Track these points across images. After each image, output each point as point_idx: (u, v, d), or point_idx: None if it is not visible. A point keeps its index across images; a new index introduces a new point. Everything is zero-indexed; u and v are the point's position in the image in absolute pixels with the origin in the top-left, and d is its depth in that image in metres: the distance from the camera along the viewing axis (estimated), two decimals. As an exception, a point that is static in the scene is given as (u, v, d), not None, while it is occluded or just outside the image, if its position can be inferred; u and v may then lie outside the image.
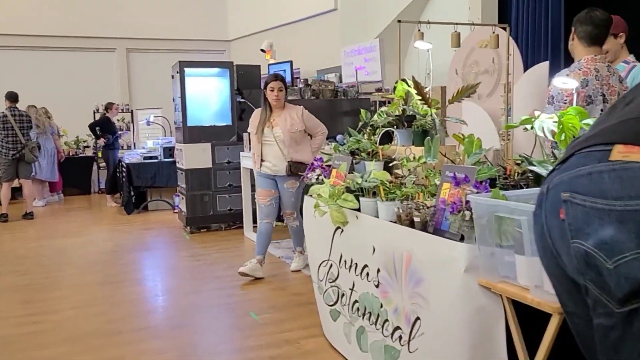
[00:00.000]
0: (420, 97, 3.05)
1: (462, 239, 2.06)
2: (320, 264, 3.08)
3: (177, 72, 6.19)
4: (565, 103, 2.87)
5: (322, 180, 3.11)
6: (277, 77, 4.49)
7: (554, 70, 5.23)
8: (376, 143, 3.17)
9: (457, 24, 3.97)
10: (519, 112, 4.12)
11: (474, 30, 6.28)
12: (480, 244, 1.88)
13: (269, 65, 9.64)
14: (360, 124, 3.34)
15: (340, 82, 8.38)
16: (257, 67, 7.07)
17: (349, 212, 2.71)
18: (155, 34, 11.44)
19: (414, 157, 2.88)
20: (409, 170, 2.78)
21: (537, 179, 2.20)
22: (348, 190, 2.76)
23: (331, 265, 2.96)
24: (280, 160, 4.42)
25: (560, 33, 6.41)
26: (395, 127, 3.18)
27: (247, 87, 6.63)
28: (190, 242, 6.04)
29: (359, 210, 2.67)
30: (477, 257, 1.91)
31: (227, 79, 6.39)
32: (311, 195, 3.05)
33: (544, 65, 5.17)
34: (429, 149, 2.78)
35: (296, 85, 7.87)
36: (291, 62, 9.37)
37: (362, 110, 3.35)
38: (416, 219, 2.25)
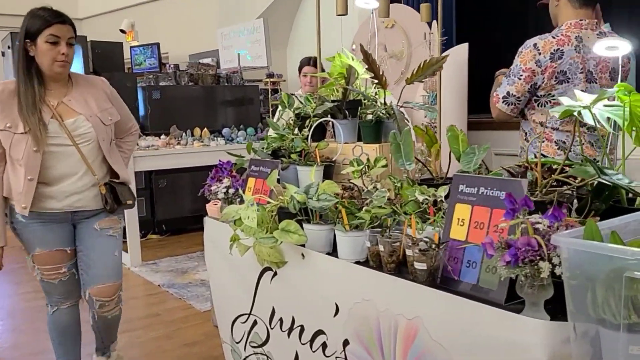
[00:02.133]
0: (372, 75, 2.18)
1: (507, 300, 1.23)
2: (236, 319, 2.10)
3: (9, 47, 4.73)
4: (520, 79, 2.19)
5: (239, 195, 2.13)
6: (61, 17, 2.11)
7: (473, 51, 4.70)
8: (307, 140, 2.26)
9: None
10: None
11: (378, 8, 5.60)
12: (576, 319, 1.06)
13: (131, 47, 8.26)
14: (280, 113, 2.40)
15: (219, 67, 7.31)
16: (119, 45, 5.78)
17: (287, 248, 1.77)
18: (-18, 7, 9.38)
19: (369, 160, 2.01)
20: (371, 180, 1.90)
21: (598, 194, 1.43)
22: (282, 212, 1.82)
23: (255, 323, 2.00)
24: (84, 182, 2.24)
25: (452, 15, 5.94)
26: (331, 116, 2.29)
27: (107, 69, 5.33)
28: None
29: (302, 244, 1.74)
30: (567, 343, 1.08)
31: (80, 58, 5.06)
32: (220, 220, 2.06)
33: (463, 47, 4.61)
34: (397, 148, 1.92)
35: (167, 70, 6.67)
36: (158, 44, 8.09)
37: (283, 93, 2.40)
38: (419, 266, 1.37)
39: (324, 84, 4.31)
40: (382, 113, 2.15)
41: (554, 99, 2.20)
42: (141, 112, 5.53)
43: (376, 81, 2.21)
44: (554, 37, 2.20)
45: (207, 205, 2.86)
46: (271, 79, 5.61)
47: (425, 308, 1.32)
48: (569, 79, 2.17)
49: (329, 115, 2.30)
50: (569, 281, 1.05)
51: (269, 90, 5.60)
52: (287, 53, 8.19)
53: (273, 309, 1.88)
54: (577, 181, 1.43)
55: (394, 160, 1.94)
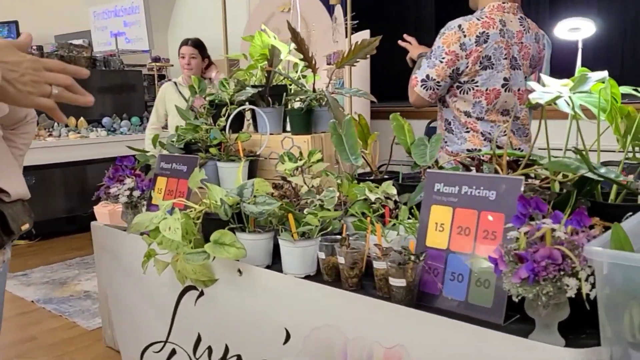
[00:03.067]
0: (302, 57, 1.91)
1: (507, 318, 1.05)
2: (147, 348, 1.74)
3: None
4: (441, 62, 2.03)
5: (146, 198, 1.77)
6: None
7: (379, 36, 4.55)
8: (225, 131, 1.95)
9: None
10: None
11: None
12: (614, 343, 0.89)
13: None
14: (190, 100, 2.05)
15: (92, 50, 6.58)
16: (-29, 21, 4.93)
17: (219, 263, 1.46)
18: None
19: (301, 154, 1.76)
20: (312, 178, 1.64)
21: (580, 187, 1.29)
22: (209, 219, 1.50)
23: (173, 352, 1.66)
24: None
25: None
26: (252, 104, 1.99)
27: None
28: None
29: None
30: (598, 373, 0.91)
31: None
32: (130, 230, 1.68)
33: (364, 34, 4.47)
34: (339, 140, 1.68)
35: (32, 52, 5.85)
36: (16, 23, 7.11)
37: (194, 77, 2.05)
38: (397, 283, 1.15)
39: (208, 67, 3.94)
40: (314, 100, 1.90)
41: (477, 86, 2.07)
42: (1, 98, 4.76)
43: (304, 64, 1.95)
44: (478, 19, 2.06)
45: (95, 208, 2.44)
46: (157, 64, 5.09)
47: (408, 334, 1.10)
48: (493, 64, 2.05)
49: (248, 103, 2.00)
50: (604, 300, 0.88)
51: (155, 76, 5.08)
52: (168, 36, 7.62)
53: (199, 336, 1.56)
54: (556, 176, 1.29)
55: (337, 155, 1.70)
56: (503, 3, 2.10)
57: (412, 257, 1.15)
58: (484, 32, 2.02)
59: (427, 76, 2.09)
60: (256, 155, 1.91)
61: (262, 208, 1.40)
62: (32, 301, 3.47)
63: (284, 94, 1.99)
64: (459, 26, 2.04)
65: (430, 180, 1.22)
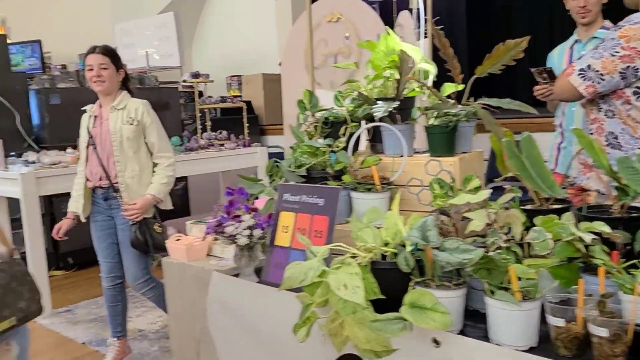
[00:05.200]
0: (446, 61, 1.59)
1: None
2: None
3: None
4: (613, 55, 1.67)
5: (263, 237, 1.44)
6: None
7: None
8: (349, 152, 1.62)
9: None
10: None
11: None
12: None
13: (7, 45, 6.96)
14: (301, 117, 1.73)
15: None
16: (1, 38, 4.67)
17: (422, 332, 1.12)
18: None
19: (453, 181, 1.42)
20: (494, 213, 1.31)
21: None
22: (377, 270, 1.17)
23: None
24: None
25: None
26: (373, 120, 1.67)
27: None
28: None
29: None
30: None
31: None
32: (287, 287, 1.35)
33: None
34: (521, 165, 1.34)
35: (50, 74, 5.53)
36: (39, 42, 6.89)
37: (305, 90, 1.73)
38: None
39: (126, 85, 2.99)
40: (459, 115, 1.57)
41: None
42: (35, 120, 4.48)
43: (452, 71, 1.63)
44: None
45: (167, 242, 2.12)
46: (197, 80, 4.77)
47: None
48: None
49: (366, 119, 1.68)
50: None
51: (196, 93, 4.76)
52: (192, 51, 7.39)
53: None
54: None
55: (529, 185, 1.36)
56: None
57: None
58: None
59: (589, 66, 1.72)
60: (390, 182, 1.58)
61: (462, 257, 1.07)
62: (83, 343, 3.14)
63: (413, 108, 1.67)
64: None
65: None
